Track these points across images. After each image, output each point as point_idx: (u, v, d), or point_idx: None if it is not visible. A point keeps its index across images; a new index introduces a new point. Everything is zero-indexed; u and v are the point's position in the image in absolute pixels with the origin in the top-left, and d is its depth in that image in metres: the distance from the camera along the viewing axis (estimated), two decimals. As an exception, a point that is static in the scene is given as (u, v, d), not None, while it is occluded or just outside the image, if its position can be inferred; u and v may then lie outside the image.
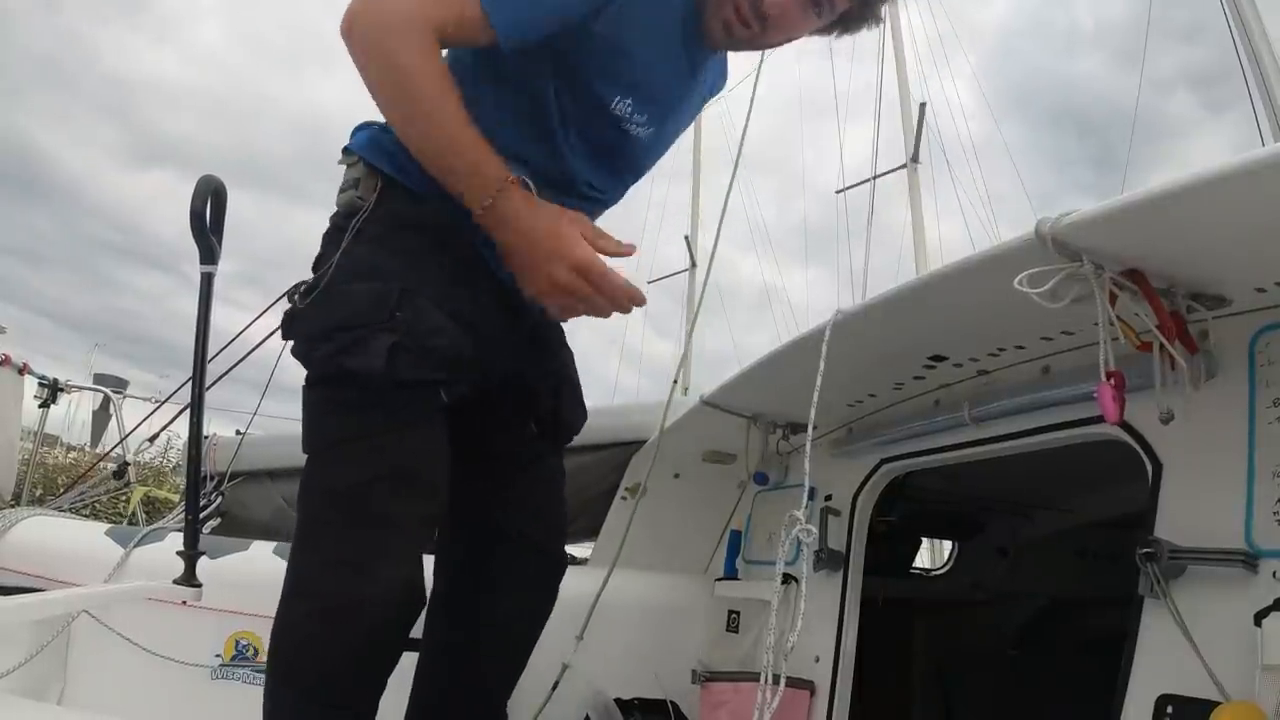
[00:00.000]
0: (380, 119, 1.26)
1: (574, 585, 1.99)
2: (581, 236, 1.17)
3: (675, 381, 2.26)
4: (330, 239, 1.30)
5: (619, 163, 1.40)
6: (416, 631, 1.42)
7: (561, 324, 1.54)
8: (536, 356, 1.46)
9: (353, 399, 1.22)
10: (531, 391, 1.46)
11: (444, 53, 1.20)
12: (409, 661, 1.51)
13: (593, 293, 1.16)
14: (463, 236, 1.27)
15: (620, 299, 1.18)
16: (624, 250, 1.21)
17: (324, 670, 1.21)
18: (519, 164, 1.23)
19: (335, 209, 1.33)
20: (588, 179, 1.37)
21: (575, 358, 1.59)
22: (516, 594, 1.47)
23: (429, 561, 1.43)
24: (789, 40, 1.36)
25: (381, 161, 1.28)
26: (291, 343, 1.28)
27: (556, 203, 1.23)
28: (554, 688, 1.95)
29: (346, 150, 1.33)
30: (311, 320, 1.25)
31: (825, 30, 1.36)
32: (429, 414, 1.25)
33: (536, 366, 1.47)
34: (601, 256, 1.18)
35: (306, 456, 1.27)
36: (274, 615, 1.52)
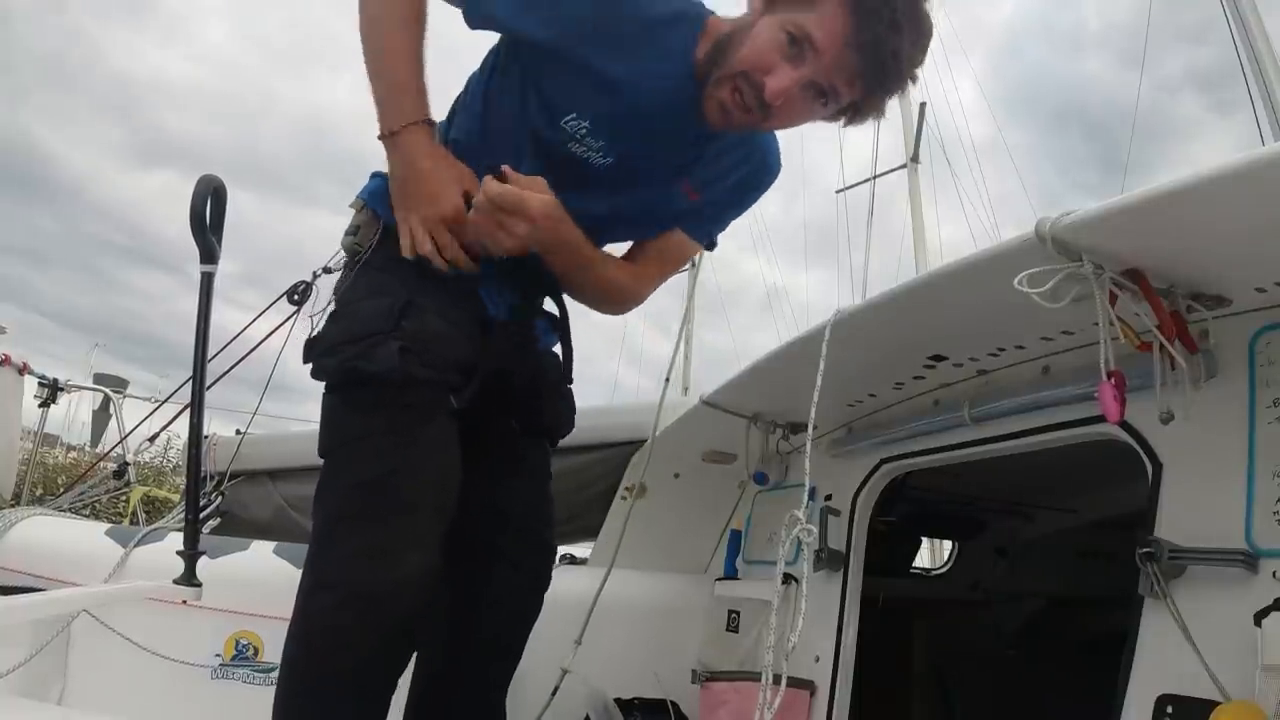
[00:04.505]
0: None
1: (573, 585, 1.99)
2: (458, 188, 1.27)
3: (668, 380, 2.25)
4: (342, 275, 1.46)
5: (579, 184, 1.39)
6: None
7: (550, 335, 1.60)
8: (516, 359, 1.52)
9: (369, 399, 1.30)
10: (512, 390, 1.51)
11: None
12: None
13: (450, 240, 1.29)
14: (455, 270, 1.38)
15: (482, 234, 1.28)
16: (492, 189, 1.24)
17: (353, 660, 1.22)
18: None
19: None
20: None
21: (573, 359, 1.63)
22: (507, 578, 1.50)
23: None
24: (790, 126, 1.38)
25: (385, 211, 1.39)
26: (310, 365, 1.37)
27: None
28: (554, 693, 1.95)
29: (358, 196, 1.45)
30: (326, 338, 1.35)
31: (832, 118, 1.34)
32: (440, 413, 1.32)
33: (517, 367, 1.52)
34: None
35: (323, 460, 1.33)
36: (276, 616, 1.50)
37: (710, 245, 1.61)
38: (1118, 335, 1.08)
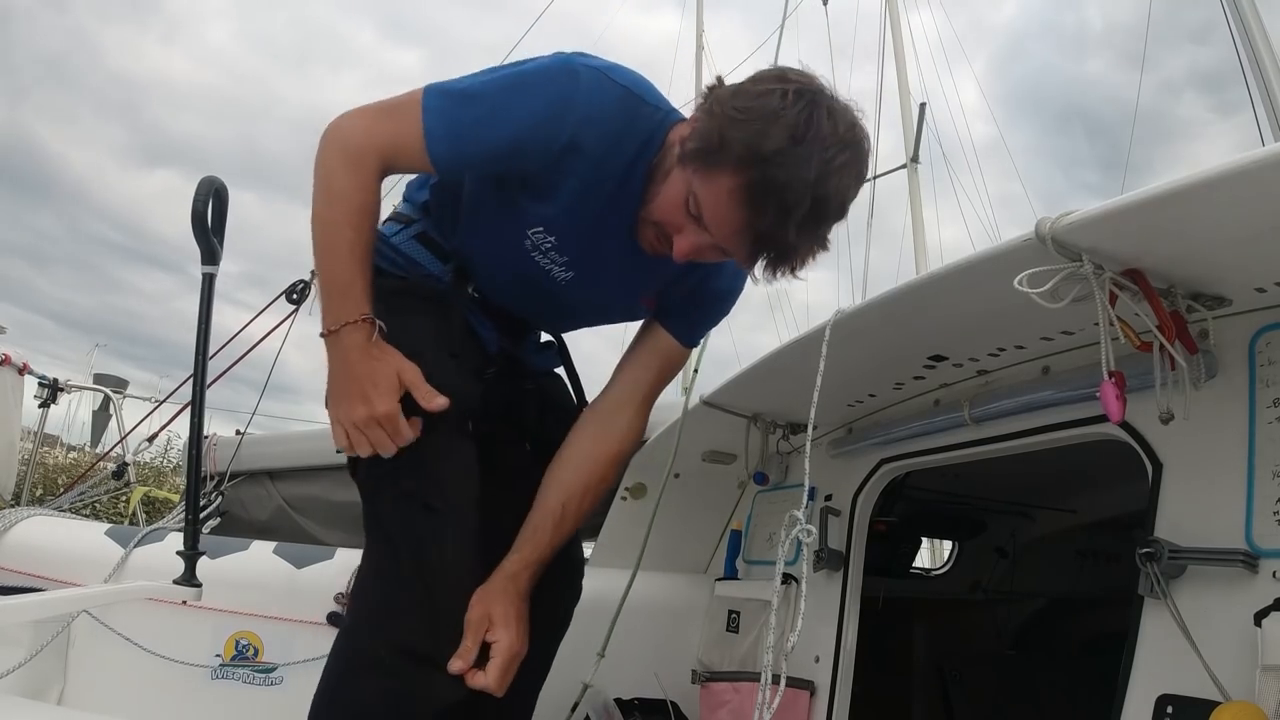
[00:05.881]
0: None
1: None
2: (395, 388, 1.26)
3: (686, 390, 2.23)
4: None
5: (540, 295, 1.46)
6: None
7: (547, 354, 1.66)
8: (512, 384, 1.57)
9: None
10: (519, 416, 1.57)
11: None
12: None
13: (384, 438, 1.27)
14: (444, 297, 1.44)
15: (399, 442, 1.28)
16: (434, 405, 1.28)
17: (403, 629, 1.25)
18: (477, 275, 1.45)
19: None
20: (518, 304, 1.51)
21: (578, 362, 1.67)
22: (537, 594, 1.50)
23: None
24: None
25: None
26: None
27: (490, 324, 1.48)
28: (573, 710, 1.93)
29: None
30: None
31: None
32: (445, 423, 1.34)
33: (516, 393, 1.57)
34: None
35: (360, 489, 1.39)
36: (276, 616, 1.49)
37: (690, 344, 1.59)
38: (1118, 335, 1.08)
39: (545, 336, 1.67)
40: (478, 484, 1.36)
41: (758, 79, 1.20)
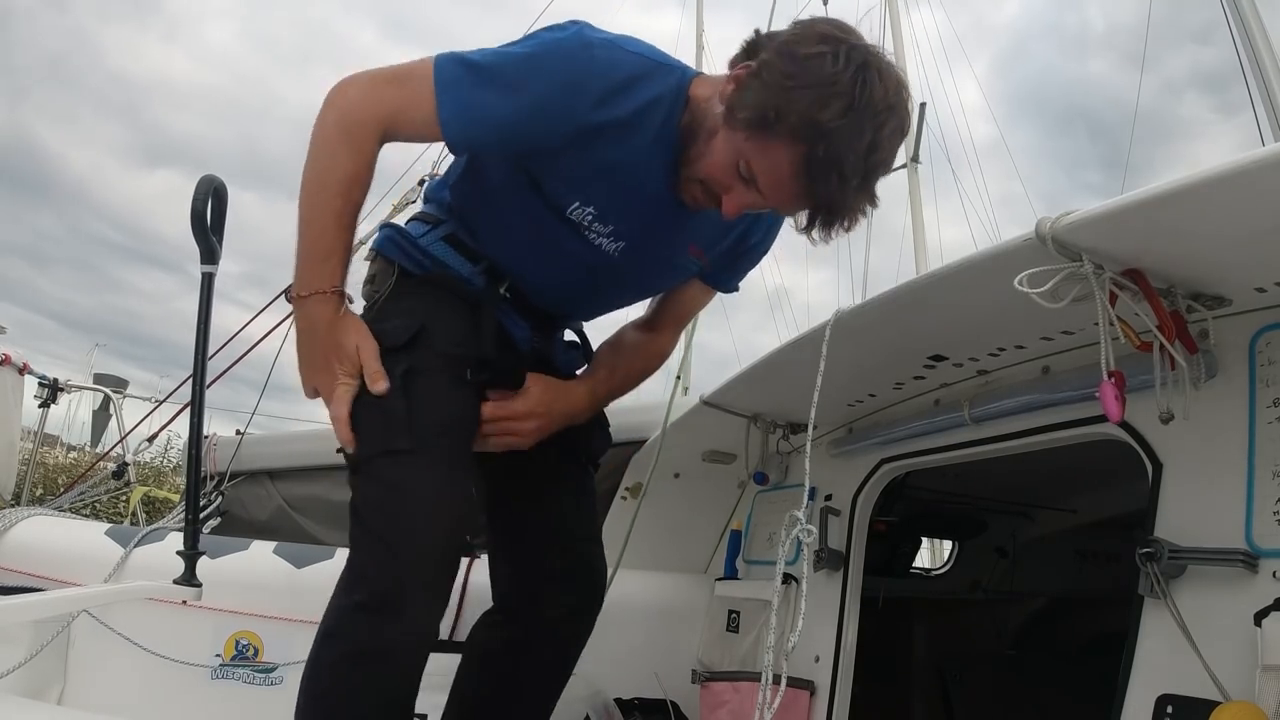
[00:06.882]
0: (395, 221, 1.52)
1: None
2: (356, 364, 1.30)
3: (678, 377, 2.23)
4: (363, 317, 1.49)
5: (589, 276, 1.46)
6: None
7: (572, 354, 1.67)
8: None
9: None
10: None
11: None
12: (450, 663, 1.53)
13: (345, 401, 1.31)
14: (469, 291, 1.45)
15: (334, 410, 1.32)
16: (377, 388, 1.30)
17: (388, 583, 1.25)
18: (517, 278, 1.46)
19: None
20: (561, 292, 1.51)
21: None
22: (559, 600, 1.53)
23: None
24: None
25: (397, 255, 1.46)
26: None
27: (538, 324, 1.51)
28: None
29: (370, 247, 1.52)
30: None
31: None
32: (453, 375, 1.36)
33: None
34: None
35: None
36: (276, 616, 1.47)
37: (731, 290, 1.64)
38: (1118, 335, 1.08)
39: (570, 336, 1.67)
40: (467, 444, 1.37)
41: (801, 37, 1.19)
